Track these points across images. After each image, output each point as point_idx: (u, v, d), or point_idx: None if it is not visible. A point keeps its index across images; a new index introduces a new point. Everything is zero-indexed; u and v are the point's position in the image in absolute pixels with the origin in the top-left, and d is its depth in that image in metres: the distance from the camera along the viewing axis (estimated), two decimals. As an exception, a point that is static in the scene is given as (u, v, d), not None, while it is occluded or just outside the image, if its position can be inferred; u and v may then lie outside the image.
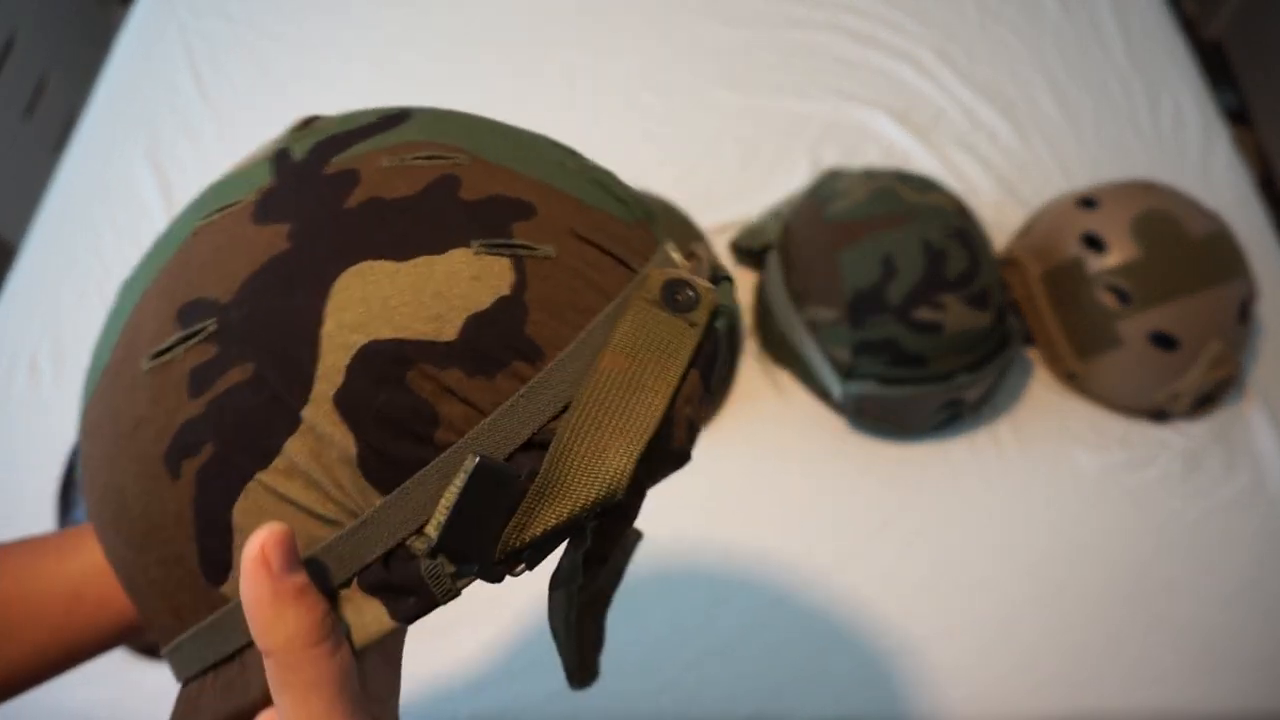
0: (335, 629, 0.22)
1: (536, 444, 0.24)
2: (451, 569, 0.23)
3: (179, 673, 0.26)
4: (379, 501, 0.23)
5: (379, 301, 0.23)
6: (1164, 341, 0.75)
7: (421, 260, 0.24)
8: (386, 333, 0.23)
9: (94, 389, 0.27)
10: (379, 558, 0.23)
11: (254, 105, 1.05)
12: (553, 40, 1.08)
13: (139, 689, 0.70)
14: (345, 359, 0.23)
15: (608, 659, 0.71)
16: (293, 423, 0.23)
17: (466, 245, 0.24)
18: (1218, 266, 0.75)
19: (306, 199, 0.25)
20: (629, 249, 0.27)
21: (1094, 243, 0.77)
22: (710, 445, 0.80)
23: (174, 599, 0.25)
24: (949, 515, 0.76)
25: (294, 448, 0.23)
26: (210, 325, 0.24)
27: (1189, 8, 1.77)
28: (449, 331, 0.23)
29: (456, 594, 0.24)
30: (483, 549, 0.23)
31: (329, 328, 0.23)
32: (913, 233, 0.72)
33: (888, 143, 0.99)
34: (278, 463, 0.23)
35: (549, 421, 0.24)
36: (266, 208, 0.25)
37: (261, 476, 0.23)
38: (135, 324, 0.26)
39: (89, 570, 0.30)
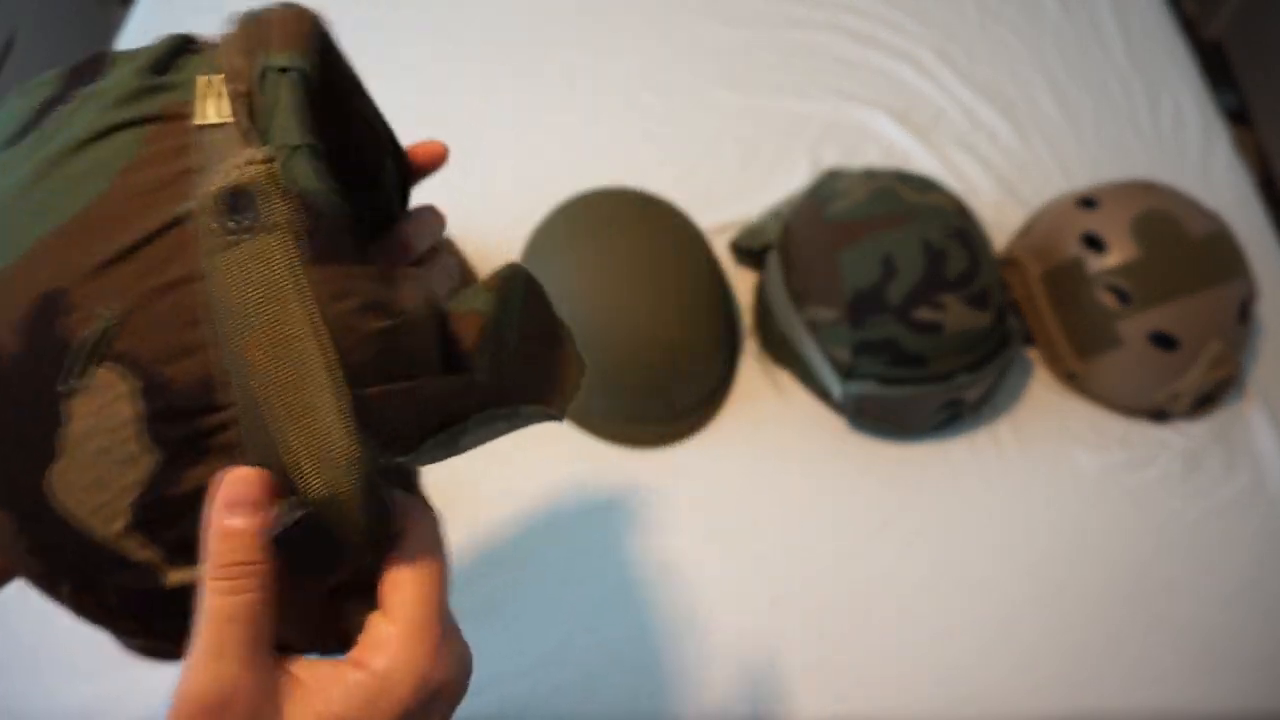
0: None
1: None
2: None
3: None
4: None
5: (94, 490, 0.23)
6: (1164, 341, 0.75)
7: (64, 439, 0.23)
8: (126, 501, 0.23)
9: None
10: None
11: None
12: (553, 40, 1.08)
13: (139, 688, 0.70)
14: (137, 538, 0.24)
15: (608, 658, 0.71)
16: (178, 593, 0.25)
17: (64, 398, 0.22)
18: (1218, 266, 0.75)
19: None
20: (158, 201, 0.23)
21: (1094, 243, 0.77)
22: (710, 445, 0.80)
23: None
24: (949, 515, 0.76)
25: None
26: (65, 587, 0.26)
27: (1189, 8, 1.77)
28: (147, 456, 0.23)
29: None
30: (357, 560, 0.25)
31: (102, 534, 0.24)
32: (913, 233, 0.72)
33: (888, 143, 0.99)
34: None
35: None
36: None
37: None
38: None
39: None
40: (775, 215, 0.84)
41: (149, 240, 0.22)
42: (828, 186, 0.79)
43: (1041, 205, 0.87)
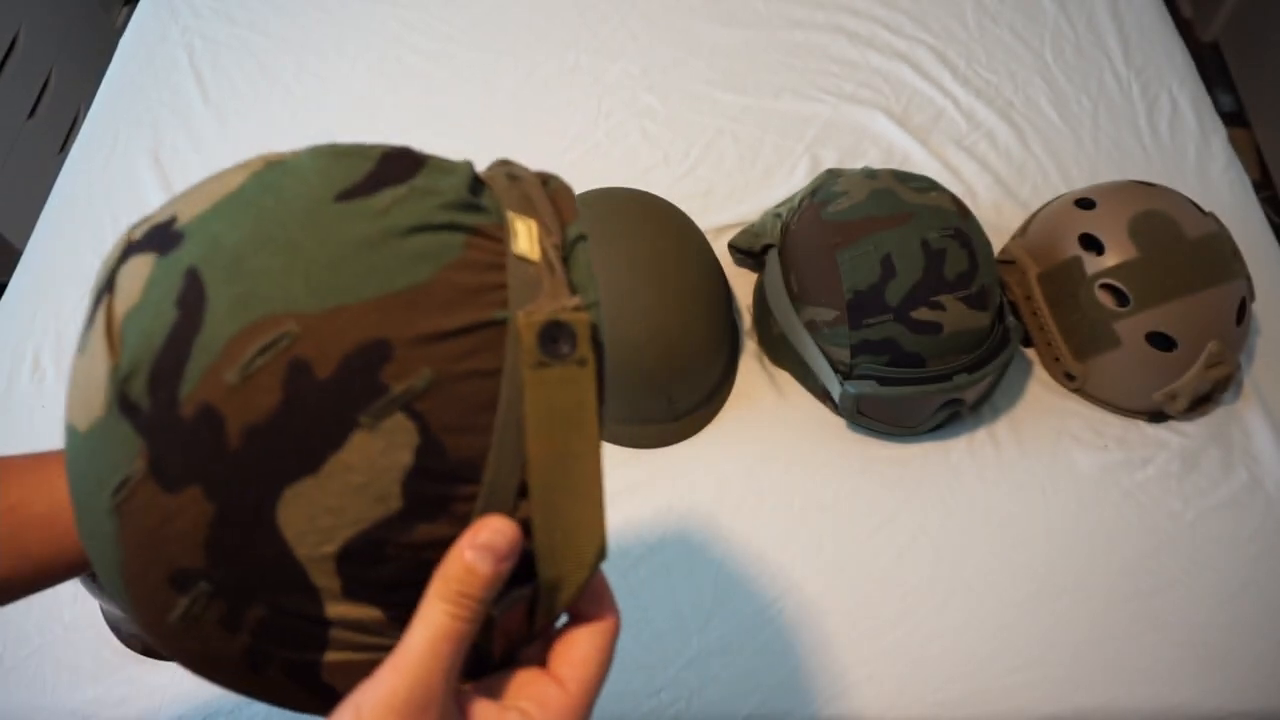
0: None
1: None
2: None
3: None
4: (385, 614, 0.28)
5: (325, 514, 0.25)
6: (1162, 342, 0.75)
7: (331, 463, 0.25)
8: (348, 533, 0.26)
9: (136, 629, 0.29)
10: None
11: (255, 106, 1.06)
12: (553, 40, 1.09)
13: (140, 688, 0.70)
14: (332, 567, 0.26)
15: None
16: (325, 624, 0.27)
17: (357, 427, 0.25)
18: (1215, 267, 0.76)
19: (194, 456, 0.25)
20: (477, 300, 0.27)
21: (1092, 243, 0.77)
22: (710, 445, 0.80)
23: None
24: (948, 515, 0.77)
25: (338, 636, 0.27)
26: (205, 587, 0.26)
27: (1186, 10, 1.77)
28: (394, 502, 0.26)
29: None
30: (523, 642, 0.30)
31: (302, 553, 0.26)
32: (912, 233, 0.72)
33: (887, 143, 0.99)
34: (332, 648, 0.27)
35: (513, 514, 0.27)
36: (165, 476, 0.26)
37: (326, 659, 0.28)
38: (137, 595, 0.27)
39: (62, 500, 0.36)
40: (775, 215, 0.85)
41: (466, 331, 0.26)
42: (827, 186, 0.79)
43: (1040, 206, 0.88)
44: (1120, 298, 0.76)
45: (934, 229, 0.72)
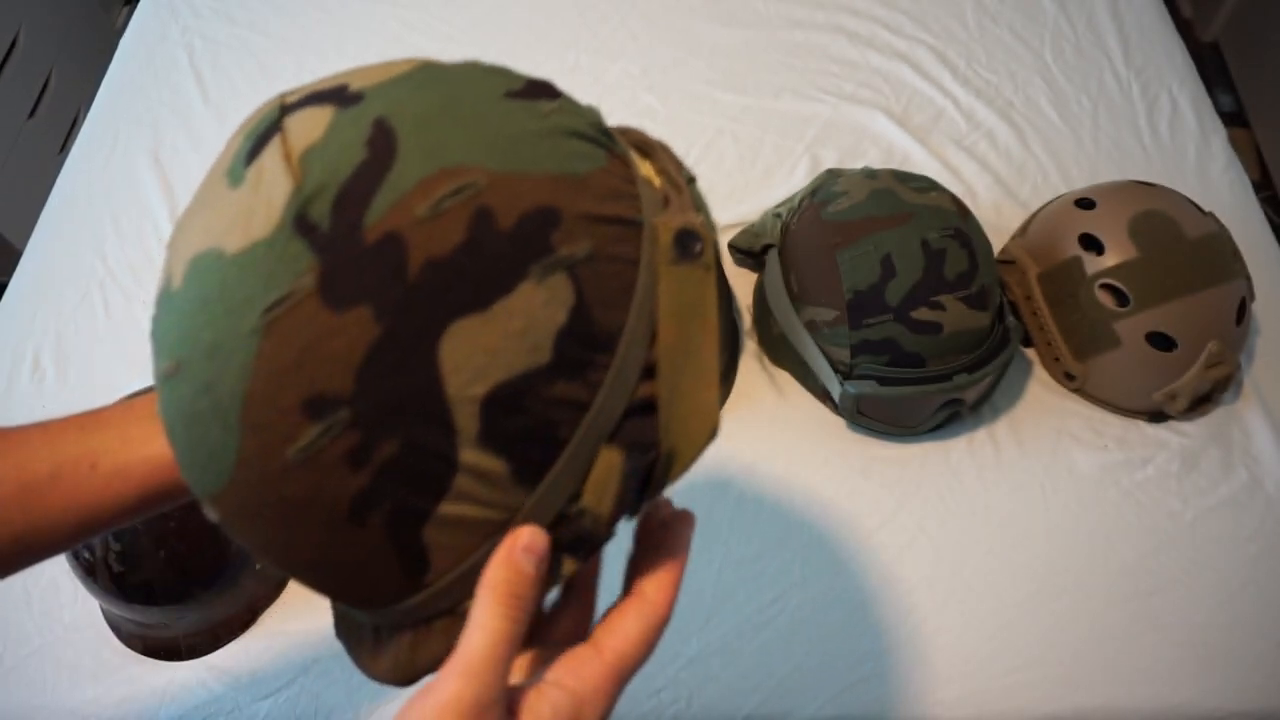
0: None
1: (632, 412, 0.29)
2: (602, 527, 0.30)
3: (375, 628, 0.33)
4: (529, 495, 0.29)
5: (482, 354, 0.27)
6: (1162, 342, 0.75)
7: (498, 305, 0.27)
8: (499, 376, 0.27)
9: (221, 483, 0.28)
10: (551, 529, 0.30)
11: (256, 106, 1.06)
12: (553, 40, 1.09)
13: (140, 688, 0.70)
14: (476, 409, 0.27)
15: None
16: (453, 468, 0.27)
17: (527, 277, 0.27)
18: (1215, 267, 0.76)
19: (369, 277, 0.26)
20: (625, 202, 0.30)
21: (1092, 243, 0.77)
22: (710, 445, 0.80)
23: (372, 596, 0.30)
24: (948, 515, 0.77)
25: (460, 484, 0.28)
26: (344, 415, 0.26)
27: (1186, 10, 1.77)
28: (544, 355, 0.27)
29: (610, 537, 0.31)
30: (633, 508, 0.31)
31: (451, 390, 0.27)
32: (912, 233, 0.72)
33: (887, 143, 0.99)
34: (449, 497, 0.28)
35: (634, 393, 0.29)
36: (334, 295, 0.26)
37: (439, 509, 0.28)
38: (256, 423, 0.27)
39: (109, 444, 0.37)
40: (775, 215, 0.85)
41: (615, 221, 0.29)
42: (827, 186, 0.79)
43: (1040, 206, 0.88)
44: (1120, 298, 0.76)
45: (934, 229, 0.73)
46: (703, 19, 1.11)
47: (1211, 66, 1.69)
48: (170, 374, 0.28)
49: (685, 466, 0.30)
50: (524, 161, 0.28)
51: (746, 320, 0.87)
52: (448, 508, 0.28)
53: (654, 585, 0.31)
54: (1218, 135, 1.00)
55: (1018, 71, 1.06)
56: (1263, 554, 0.74)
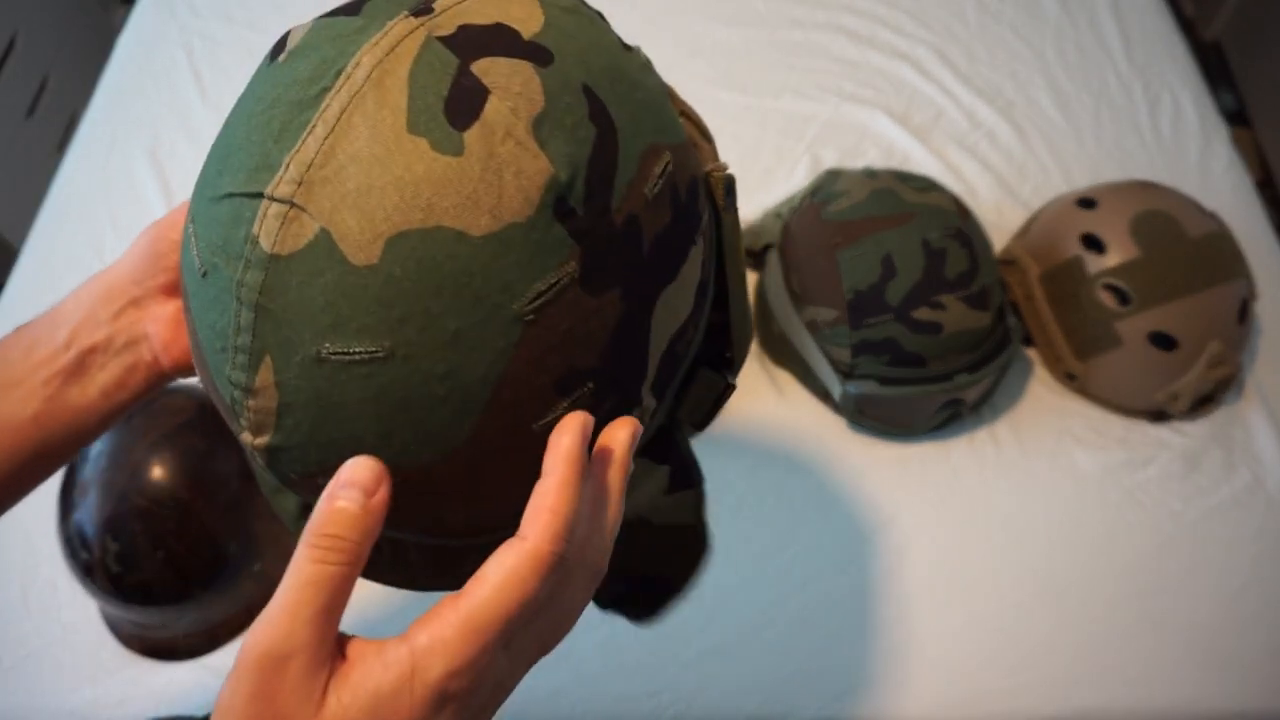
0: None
1: (710, 333, 0.35)
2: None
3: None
4: (656, 407, 0.33)
5: (670, 315, 0.31)
6: (1163, 341, 0.75)
7: (682, 271, 0.31)
8: (672, 331, 0.31)
9: (430, 457, 0.28)
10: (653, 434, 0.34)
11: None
12: (553, 41, 1.08)
13: (139, 689, 0.70)
14: (657, 363, 0.31)
15: (608, 658, 0.72)
16: (637, 406, 0.31)
17: (695, 244, 0.31)
18: (1217, 267, 0.75)
19: (621, 261, 0.28)
20: (699, 158, 0.34)
21: (1093, 243, 0.77)
22: (710, 445, 0.80)
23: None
24: (949, 515, 0.76)
25: (637, 411, 0.31)
26: (589, 387, 0.29)
27: (1188, 9, 1.77)
28: (689, 307, 0.32)
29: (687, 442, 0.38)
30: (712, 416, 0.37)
31: (651, 349, 0.30)
32: (912, 233, 0.72)
33: (888, 143, 0.99)
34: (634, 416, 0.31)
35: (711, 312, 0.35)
36: (593, 281, 0.27)
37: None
38: (507, 404, 0.27)
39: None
40: (775, 215, 0.85)
41: (703, 181, 0.33)
42: (828, 186, 0.79)
43: (1041, 205, 0.87)
44: (1122, 297, 0.76)
45: (935, 229, 0.72)
46: (703, 18, 1.10)
47: (1214, 65, 1.69)
48: (376, 359, 0.26)
49: (740, 368, 0.36)
50: (674, 134, 0.31)
51: (747, 320, 0.86)
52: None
53: (526, 517, 0.27)
54: (1220, 134, 1.00)
55: (1019, 71, 1.05)
56: (1264, 554, 0.74)
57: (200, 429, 0.68)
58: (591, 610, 0.76)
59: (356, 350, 0.26)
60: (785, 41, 1.08)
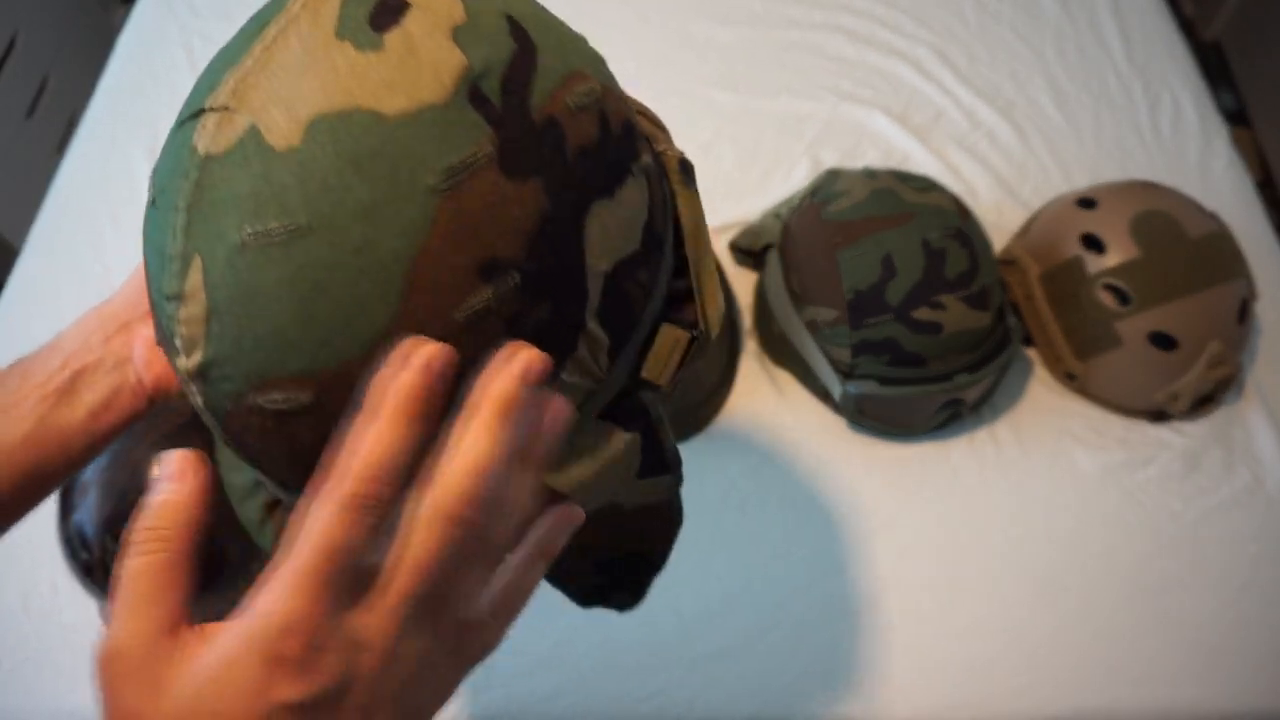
0: None
1: (672, 299, 0.34)
2: (656, 395, 0.34)
3: None
4: (612, 368, 0.32)
5: (609, 234, 0.30)
6: (1163, 342, 0.75)
7: (619, 193, 0.31)
8: (616, 255, 0.31)
9: (358, 349, 0.27)
10: (614, 398, 0.32)
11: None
12: (553, 41, 1.08)
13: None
14: (601, 284, 0.30)
15: (608, 659, 0.71)
16: (579, 335, 0.30)
17: (631, 174, 0.31)
18: (1217, 267, 0.75)
19: (541, 153, 0.28)
20: (649, 128, 0.35)
21: (1093, 243, 0.77)
22: (711, 445, 0.80)
23: None
24: (949, 515, 0.76)
25: (580, 352, 0.30)
26: (514, 279, 0.28)
27: (1188, 9, 1.77)
28: (637, 243, 0.31)
29: (660, 413, 0.34)
30: (672, 383, 0.34)
31: (588, 262, 0.30)
32: (912, 233, 0.72)
33: (887, 143, 0.99)
34: (570, 365, 0.30)
35: (672, 285, 0.34)
36: (511, 165, 0.28)
37: (561, 376, 0.30)
38: (427, 283, 0.27)
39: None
40: (775, 215, 0.85)
41: (655, 155, 0.35)
42: (827, 186, 0.79)
43: (1041, 205, 0.87)
44: (1122, 297, 0.76)
45: (935, 229, 0.72)
46: (700, 18, 1.10)
47: (1214, 65, 1.69)
48: (293, 235, 0.26)
49: (712, 339, 0.35)
50: (602, 75, 0.32)
51: (747, 320, 0.86)
52: (567, 375, 0.30)
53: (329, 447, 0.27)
54: (1220, 134, 1.00)
55: (1019, 70, 1.05)
56: (1264, 554, 0.74)
57: (200, 429, 0.68)
58: (589, 612, 0.76)
59: (274, 227, 0.26)
60: (784, 41, 1.08)
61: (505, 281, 0.27)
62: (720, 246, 0.89)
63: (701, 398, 0.80)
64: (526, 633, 0.70)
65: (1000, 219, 0.91)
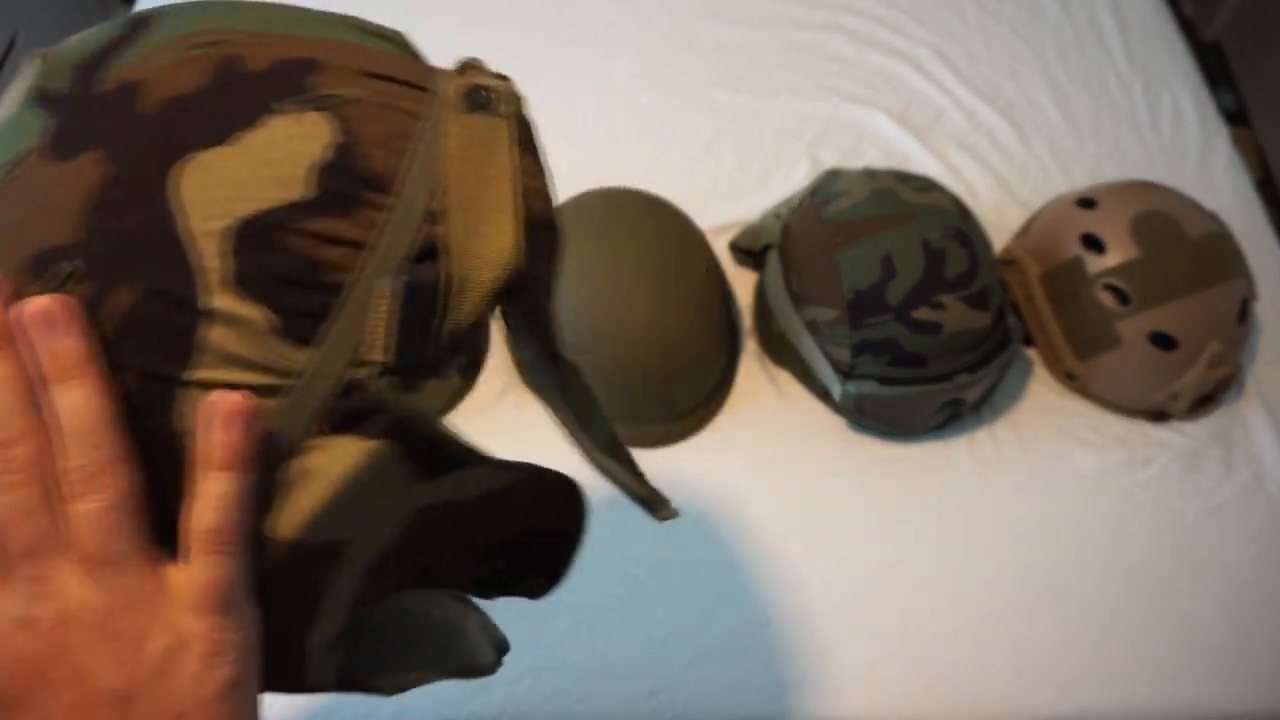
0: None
1: (419, 256, 0.27)
2: (399, 382, 0.27)
3: None
4: (307, 354, 0.26)
5: (224, 186, 0.25)
6: (1163, 341, 0.75)
7: (239, 137, 0.26)
8: (245, 209, 0.25)
9: None
10: (335, 398, 0.26)
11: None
12: (553, 40, 1.08)
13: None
14: (220, 244, 0.25)
15: (608, 659, 0.71)
16: (199, 317, 0.25)
17: (273, 111, 0.26)
18: (1217, 267, 0.75)
19: (100, 122, 0.25)
20: (415, 74, 0.29)
21: (1093, 243, 0.77)
22: (710, 445, 0.80)
23: None
24: (949, 515, 0.76)
25: (213, 338, 0.25)
26: (67, 268, 0.24)
27: (1188, 9, 1.77)
28: (297, 189, 0.26)
29: (417, 407, 0.27)
30: (426, 354, 0.27)
31: (191, 224, 0.25)
32: (912, 233, 0.72)
33: (887, 143, 0.99)
34: (201, 357, 0.25)
35: (416, 234, 0.27)
36: (63, 144, 0.25)
37: (191, 373, 0.25)
38: None
39: None
40: (775, 215, 0.85)
41: (392, 80, 0.28)
42: (827, 186, 0.79)
43: (1041, 205, 0.87)
44: (1122, 297, 0.76)
45: (935, 229, 0.72)
46: (702, 19, 1.10)
47: (1213, 65, 1.69)
48: None
49: (485, 291, 0.28)
50: (295, 25, 0.29)
51: (747, 320, 0.86)
52: (202, 373, 0.25)
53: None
54: (1219, 134, 1.00)
55: (1019, 70, 1.05)
56: (1264, 554, 0.74)
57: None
58: (591, 612, 0.76)
59: None
60: (784, 42, 1.08)
61: (58, 271, 0.24)
62: (720, 246, 0.89)
63: (701, 398, 0.80)
64: (526, 634, 0.70)
65: (1000, 219, 0.91)
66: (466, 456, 0.29)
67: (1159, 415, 0.80)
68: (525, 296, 0.31)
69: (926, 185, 0.76)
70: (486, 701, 0.68)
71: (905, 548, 0.75)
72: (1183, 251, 0.75)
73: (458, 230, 0.27)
